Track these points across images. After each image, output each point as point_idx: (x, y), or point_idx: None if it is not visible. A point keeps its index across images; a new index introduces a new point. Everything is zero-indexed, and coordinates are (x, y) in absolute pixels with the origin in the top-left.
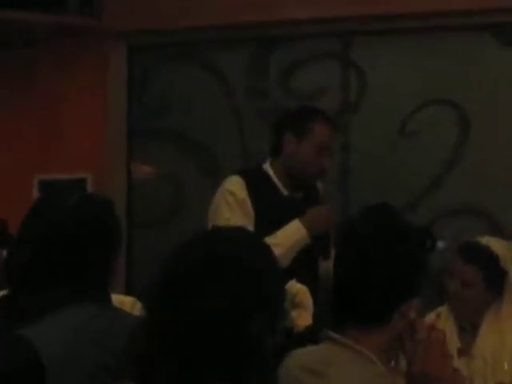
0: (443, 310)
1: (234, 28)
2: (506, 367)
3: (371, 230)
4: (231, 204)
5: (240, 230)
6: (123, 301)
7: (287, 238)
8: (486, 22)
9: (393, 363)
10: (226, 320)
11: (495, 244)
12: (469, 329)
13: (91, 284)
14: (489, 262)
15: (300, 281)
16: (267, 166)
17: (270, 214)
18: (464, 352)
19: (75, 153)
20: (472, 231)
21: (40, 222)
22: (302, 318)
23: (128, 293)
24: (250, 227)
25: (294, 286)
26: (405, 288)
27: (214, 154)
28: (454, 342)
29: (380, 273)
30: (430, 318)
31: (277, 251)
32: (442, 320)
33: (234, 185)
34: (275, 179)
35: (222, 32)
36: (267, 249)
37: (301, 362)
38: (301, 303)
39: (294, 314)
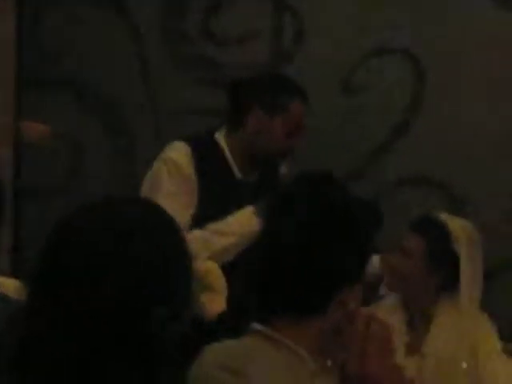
0: (390, 299)
1: None
2: (465, 366)
3: (305, 202)
4: (175, 176)
5: (145, 200)
6: (4, 283)
7: (240, 227)
8: None
9: (329, 362)
10: (125, 305)
11: (452, 222)
12: (420, 322)
13: None
14: (437, 236)
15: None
16: (220, 137)
17: (218, 197)
18: (413, 349)
19: None
20: (425, 204)
21: None
22: (214, 303)
23: (14, 273)
24: (192, 209)
25: (204, 266)
26: (344, 272)
27: (121, 109)
28: (401, 337)
29: (314, 253)
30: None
31: (226, 240)
32: (385, 310)
33: (180, 153)
34: (229, 157)
35: None
36: (174, 223)
37: (218, 359)
38: (211, 285)
39: (203, 297)
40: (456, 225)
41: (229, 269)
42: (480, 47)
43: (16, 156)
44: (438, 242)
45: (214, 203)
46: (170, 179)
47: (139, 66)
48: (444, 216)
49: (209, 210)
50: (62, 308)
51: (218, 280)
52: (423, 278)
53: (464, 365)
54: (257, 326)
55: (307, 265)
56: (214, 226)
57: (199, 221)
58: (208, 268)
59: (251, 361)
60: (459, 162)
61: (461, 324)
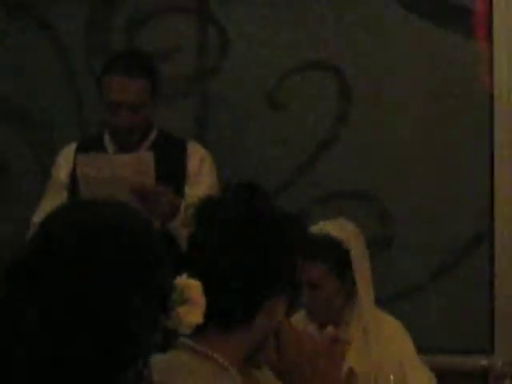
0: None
1: None
2: (392, 378)
3: (230, 212)
4: None
5: (124, 205)
6: None
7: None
8: None
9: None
10: (100, 312)
11: (341, 232)
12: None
13: None
14: (337, 257)
15: None
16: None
17: None
18: None
19: None
20: (353, 218)
21: None
22: (190, 315)
23: None
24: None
25: (184, 282)
26: (270, 282)
27: (48, 126)
28: None
29: (238, 264)
30: (296, 318)
31: None
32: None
33: None
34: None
35: None
36: (150, 226)
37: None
38: (190, 298)
39: (180, 310)
40: (345, 234)
41: None
42: (406, 59)
43: None
44: (340, 262)
45: None
46: None
47: (65, 81)
48: (320, 226)
49: None
50: (41, 298)
51: (198, 294)
52: (335, 298)
53: (391, 377)
54: (183, 338)
55: (230, 274)
56: None
57: None
58: (189, 283)
59: (175, 375)
60: (385, 175)
61: (368, 336)
